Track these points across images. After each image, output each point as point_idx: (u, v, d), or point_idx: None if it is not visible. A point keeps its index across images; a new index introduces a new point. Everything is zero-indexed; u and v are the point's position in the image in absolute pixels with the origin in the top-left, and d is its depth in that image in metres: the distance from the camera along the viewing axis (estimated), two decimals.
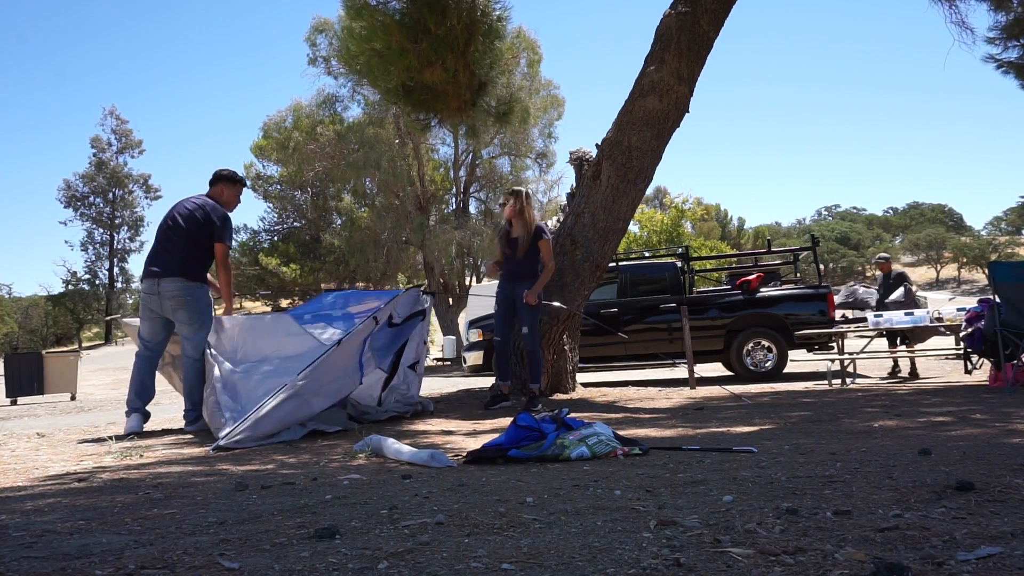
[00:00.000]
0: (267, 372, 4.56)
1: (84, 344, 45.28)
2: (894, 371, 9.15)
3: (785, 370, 9.59)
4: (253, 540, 1.80)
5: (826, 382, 7.93)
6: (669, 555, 1.52)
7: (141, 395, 4.88)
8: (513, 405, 5.80)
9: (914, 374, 8.84)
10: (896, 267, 9.68)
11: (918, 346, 8.86)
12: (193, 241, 4.93)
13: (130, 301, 46.68)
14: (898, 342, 8.99)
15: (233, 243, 5.19)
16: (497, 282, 6.10)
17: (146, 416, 4.93)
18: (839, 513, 1.84)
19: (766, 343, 9.54)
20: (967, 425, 3.91)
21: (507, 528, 1.84)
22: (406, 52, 6.82)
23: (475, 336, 11.02)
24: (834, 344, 9.06)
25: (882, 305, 9.38)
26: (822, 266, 10.55)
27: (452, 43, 6.78)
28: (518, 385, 6.56)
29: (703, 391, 7.14)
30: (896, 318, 8.10)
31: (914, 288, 9.48)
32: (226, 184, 5.23)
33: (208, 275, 5.17)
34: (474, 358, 10.93)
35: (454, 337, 20.69)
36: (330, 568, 1.52)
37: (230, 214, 5.18)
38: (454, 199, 24.72)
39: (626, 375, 11.32)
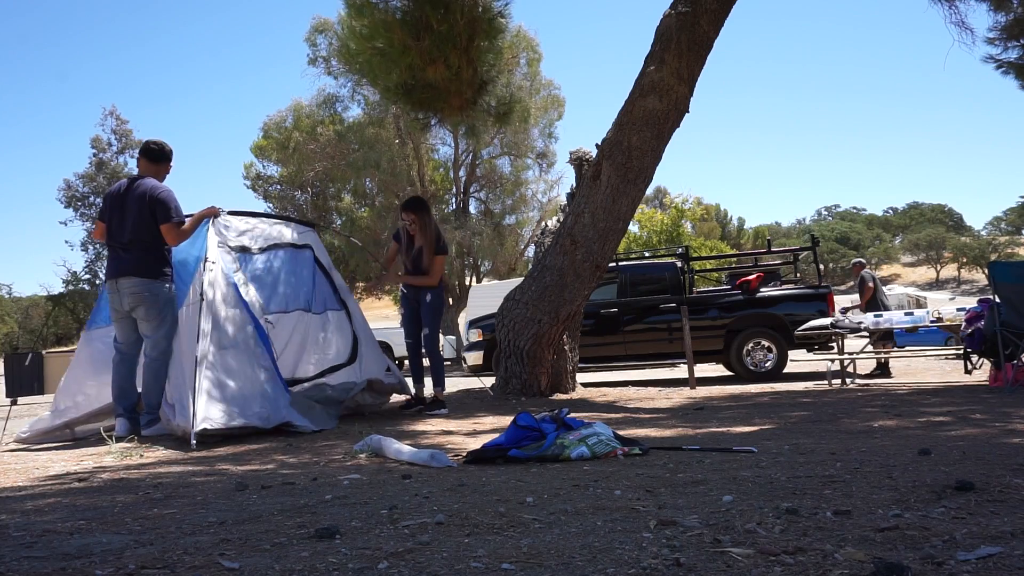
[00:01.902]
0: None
1: None
2: (873, 371, 9.25)
3: (785, 370, 9.60)
4: (253, 540, 1.80)
5: (826, 382, 7.93)
6: (669, 555, 1.52)
7: (121, 400, 4.66)
8: (449, 412, 5.70)
9: (885, 372, 9.02)
10: (871, 272, 9.82)
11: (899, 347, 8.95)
12: (145, 236, 4.62)
13: None
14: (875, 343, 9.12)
15: (182, 217, 4.71)
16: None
17: (133, 421, 4.61)
18: (839, 513, 1.84)
19: (766, 343, 9.54)
20: (967, 425, 3.91)
21: (507, 528, 1.84)
22: (408, 50, 6.80)
23: (475, 336, 11.02)
24: (834, 344, 9.06)
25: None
26: (822, 266, 10.54)
27: (455, 40, 6.77)
28: (519, 385, 6.57)
29: (703, 391, 7.14)
30: (896, 318, 8.11)
31: (876, 289, 9.60)
32: (167, 164, 4.88)
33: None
34: (474, 358, 10.93)
35: (454, 337, 20.69)
36: (330, 568, 1.52)
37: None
38: (454, 199, 24.73)
39: (626, 375, 11.32)
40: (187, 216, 4.80)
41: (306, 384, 5.30)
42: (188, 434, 4.01)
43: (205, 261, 4.63)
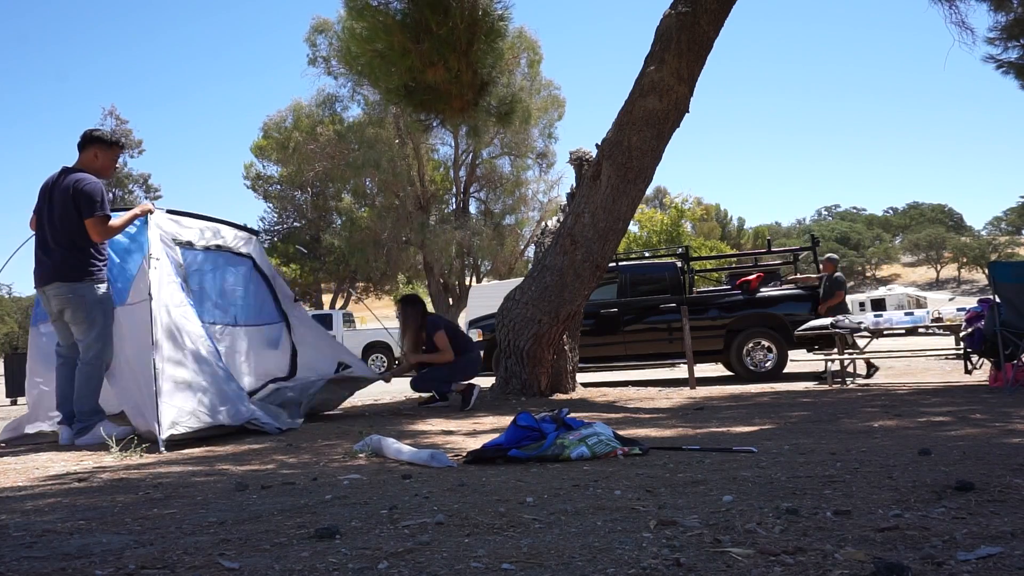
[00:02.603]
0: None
1: None
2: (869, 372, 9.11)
3: (785, 370, 9.59)
4: (253, 540, 1.80)
5: (826, 382, 7.93)
6: (669, 555, 1.52)
7: (64, 406, 4.41)
8: (449, 404, 6.12)
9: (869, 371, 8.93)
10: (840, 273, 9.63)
11: (903, 347, 8.85)
12: (68, 234, 4.31)
13: None
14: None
15: (108, 211, 4.36)
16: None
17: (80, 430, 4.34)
18: (839, 513, 1.84)
19: (766, 343, 9.53)
20: (967, 425, 3.91)
21: (507, 528, 1.84)
22: (408, 52, 6.82)
23: (475, 336, 11.01)
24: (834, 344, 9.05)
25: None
26: (822, 266, 10.53)
27: (455, 43, 6.79)
28: (519, 385, 6.58)
29: (703, 391, 7.14)
30: (896, 318, 8.11)
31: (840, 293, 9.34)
32: (100, 147, 4.51)
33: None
34: None
35: None
36: (330, 568, 1.52)
37: (102, 182, 4.45)
38: (454, 199, 24.75)
39: (626, 375, 11.32)
40: (117, 212, 4.55)
41: (261, 392, 5.26)
42: (155, 438, 3.94)
43: (149, 258, 4.43)
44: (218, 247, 5.33)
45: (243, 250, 5.58)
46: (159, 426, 3.95)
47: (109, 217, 4.38)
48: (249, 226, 5.88)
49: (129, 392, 4.37)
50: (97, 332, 4.34)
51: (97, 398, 4.37)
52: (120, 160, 43.18)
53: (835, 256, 9.86)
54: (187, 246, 4.99)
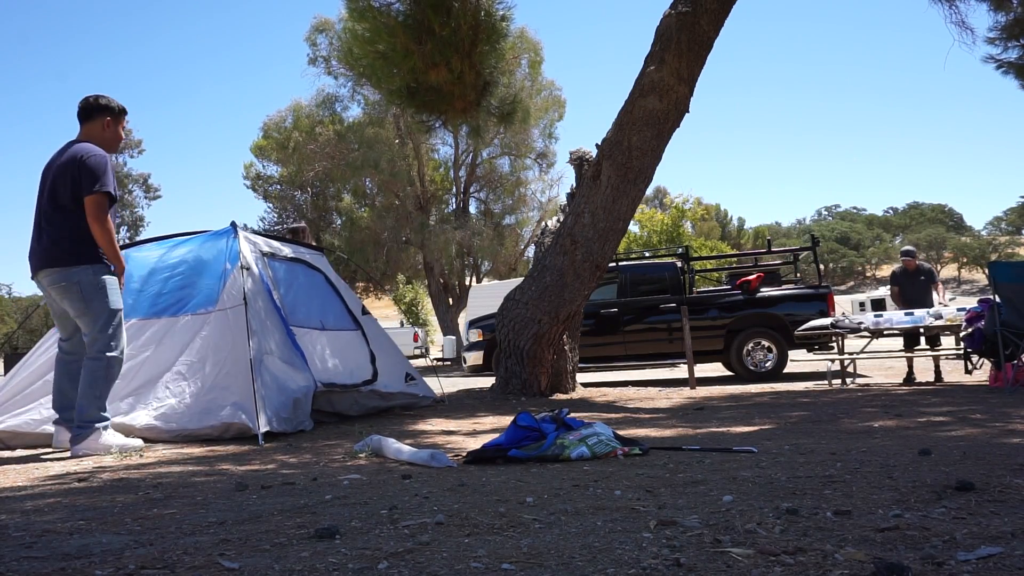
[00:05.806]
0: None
1: None
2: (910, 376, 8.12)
3: (785, 370, 9.59)
4: (253, 540, 1.80)
5: (826, 382, 7.93)
6: (669, 555, 1.52)
7: (62, 404, 4.04)
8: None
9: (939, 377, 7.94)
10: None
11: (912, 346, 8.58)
12: (61, 211, 3.85)
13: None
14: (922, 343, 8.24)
15: (114, 190, 3.92)
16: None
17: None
18: (839, 513, 1.84)
19: (766, 343, 9.53)
20: (967, 425, 3.91)
21: (507, 528, 1.84)
22: (411, 54, 6.83)
23: (475, 336, 11.02)
24: (834, 344, 9.04)
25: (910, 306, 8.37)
26: (822, 266, 10.54)
27: (457, 44, 6.80)
28: (519, 385, 6.58)
29: (703, 391, 7.14)
30: (896, 318, 8.08)
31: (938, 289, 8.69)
32: (110, 116, 4.11)
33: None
34: (474, 358, 10.93)
35: (454, 337, 20.69)
36: (330, 568, 1.52)
37: (108, 155, 4.01)
38: (454, 199, 24.72)
39: (626, 375, 11.32)
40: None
41: (360, 389, 5.48)
42: (249, 434, 4.18)
43: (243, 269, 4.76)
44: (295, 259, 5.64)
45: (315, 263, 5.90)
46: (259, 420, 4.14)
47: (112, 196, 3.91)
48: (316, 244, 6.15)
49: (233, 388, 4.43)
50: (103, 323, 3.86)
51: (103, 401, 3.90)
52: (119, 160, 43.18)
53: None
54: (271, 256, 5.32)
